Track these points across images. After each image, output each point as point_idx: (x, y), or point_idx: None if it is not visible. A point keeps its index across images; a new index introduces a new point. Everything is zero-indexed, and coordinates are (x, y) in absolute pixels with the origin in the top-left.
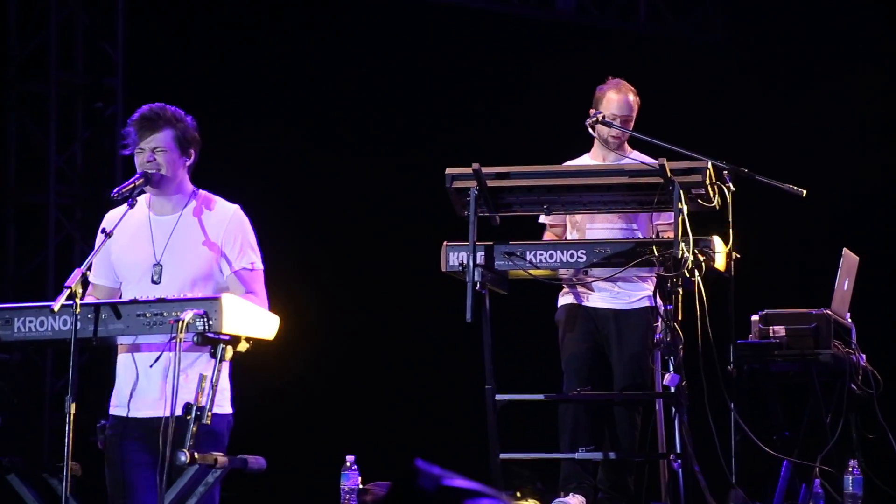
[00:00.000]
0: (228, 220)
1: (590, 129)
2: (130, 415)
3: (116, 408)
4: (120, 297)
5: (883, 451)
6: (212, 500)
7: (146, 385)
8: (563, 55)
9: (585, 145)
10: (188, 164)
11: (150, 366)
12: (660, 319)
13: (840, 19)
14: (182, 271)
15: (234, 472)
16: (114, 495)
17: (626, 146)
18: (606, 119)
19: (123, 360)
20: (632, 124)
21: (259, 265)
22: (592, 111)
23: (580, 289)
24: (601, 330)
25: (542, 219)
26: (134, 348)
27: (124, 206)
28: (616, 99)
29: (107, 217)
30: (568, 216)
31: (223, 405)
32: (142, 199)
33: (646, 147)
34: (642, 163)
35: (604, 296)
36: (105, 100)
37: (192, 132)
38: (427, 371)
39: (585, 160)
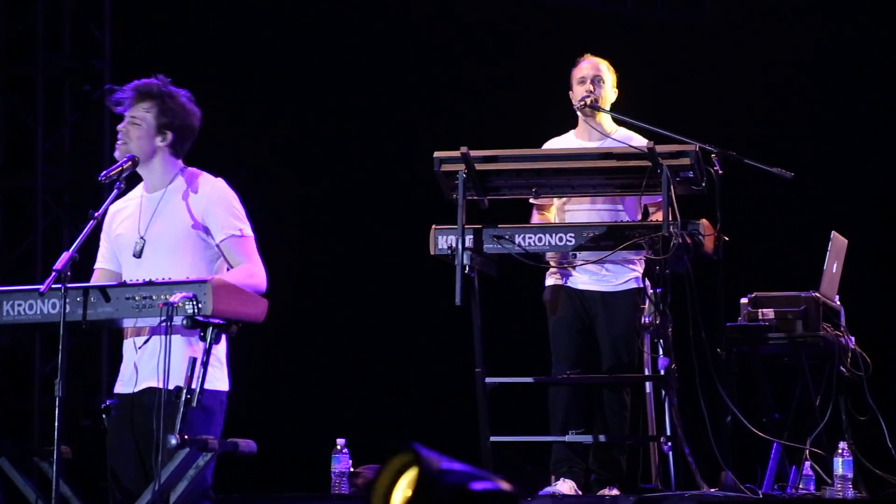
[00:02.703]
0: (209, 191)
1: (578, 113)
2: (136, 390)
3: (121, 385)
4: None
5: (872, 433)
6: (204, 482)
7: (143, 366)
8: (549, 37)
9: (567, 126)
10: (164, 143)
11: (139, 348)
12: (647, 302)
13: (824, 2)
14: (161, 245)
15: (224, 456)
16: (116, 472)
17: (610, 121)
18: (575, 81)
19: (126, 343)
20: (604, 88)
21: (248, 232)
22: (571, 94)
23: (566, 269)
24: (588, 311)
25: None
26: (135, 331)
27: (115, 190)
28: (584, 64)
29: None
30: (555, 199)
31: (216, 383)
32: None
33: (631, 125)
34: (629, 145)
35: (591, 278)
36: (93, 82)
37: (181, 115)
38: (417, 354)
39: (570, 137)
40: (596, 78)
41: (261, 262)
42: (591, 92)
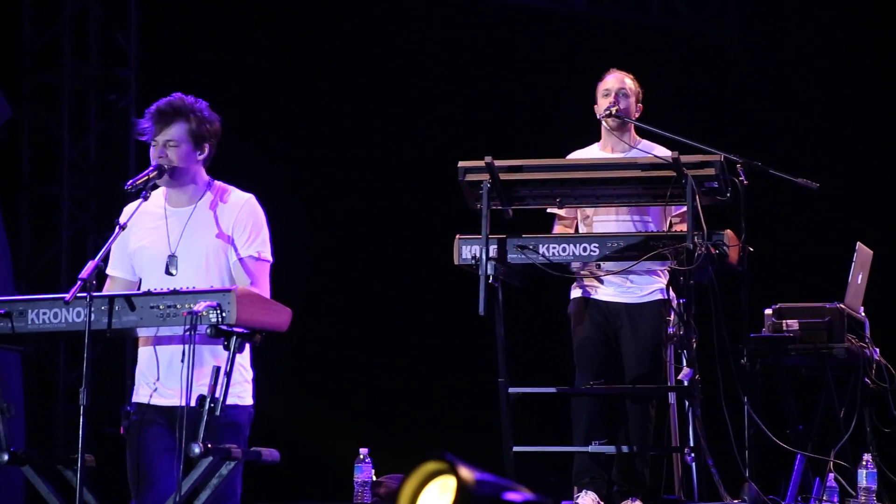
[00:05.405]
0: (241, 207)
1: (603, 123)
2: (152, 402)
3: (138, 395)
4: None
5: None
6: (233, 491)
7: (165, 375)
8: (575, 48)
9: (591, 138)
10: (202, 157)
11: (181, 360)
12: (673, 313)
13: (850, 13)
14: (196, 263)
15: (247, 465)
16: (134, 481)
17: (634, 134)
18: (600, 94)
19: (144, 352)
20: (630, 101)
21: (267, 255)
22: (596, 107)
23: (592, 282)
24: (612, 323)
25: (552, 209)
26: (154, 340)
27: (140, 199)
28: (609, 78)
29: (124, 211)
30: (578, 209)
31: (244, 397)
32: (159, 192)
33: (654, 136)
34: (653, 155)
35: (615, 290)
36: (118, 91)
37: (209, 125)
38: (440, 364)
39: (594, 150)
40: (621, 91)
41: (269, 288)
42: (615, 104)
